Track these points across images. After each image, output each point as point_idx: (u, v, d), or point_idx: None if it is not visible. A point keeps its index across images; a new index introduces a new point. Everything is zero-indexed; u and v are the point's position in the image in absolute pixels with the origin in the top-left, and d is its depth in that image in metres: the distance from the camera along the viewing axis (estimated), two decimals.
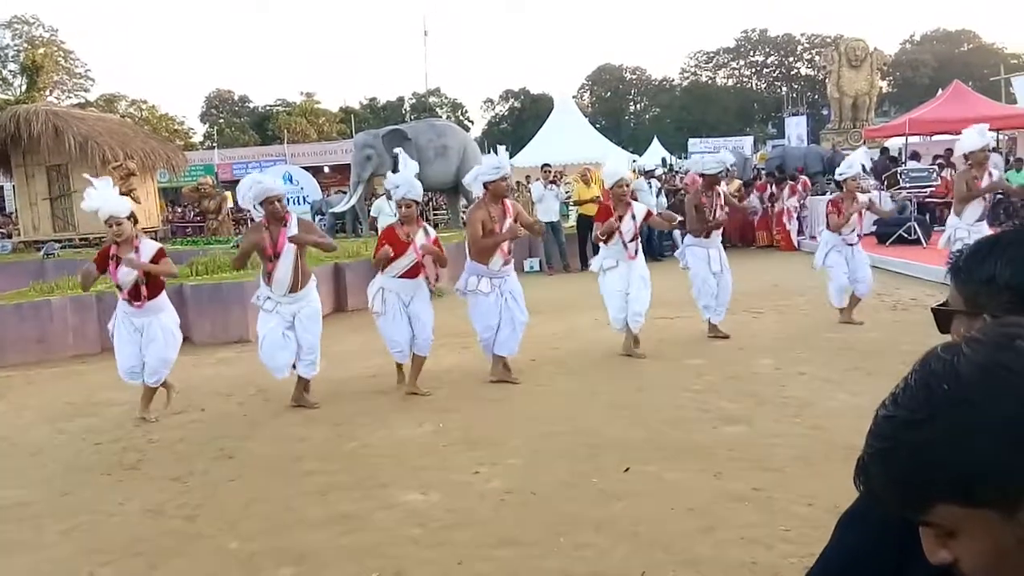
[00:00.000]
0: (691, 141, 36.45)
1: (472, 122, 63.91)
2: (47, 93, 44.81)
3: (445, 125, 20.42)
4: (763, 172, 18.68)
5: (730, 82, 69.19)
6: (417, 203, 6.48)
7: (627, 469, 4.36)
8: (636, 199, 7.74)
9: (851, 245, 7.96)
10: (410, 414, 5.78)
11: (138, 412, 6.03)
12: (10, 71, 47.74)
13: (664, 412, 5.43)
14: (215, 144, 42.44)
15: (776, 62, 68.28)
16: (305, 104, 56.07)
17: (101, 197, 5.94)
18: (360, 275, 10.47)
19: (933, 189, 14.43)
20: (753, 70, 69.56)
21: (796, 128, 32.15)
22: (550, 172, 14.74)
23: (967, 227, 7.73)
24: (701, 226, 7.70)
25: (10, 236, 19.34)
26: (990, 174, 7.81)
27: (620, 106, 68.87)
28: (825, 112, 37.85)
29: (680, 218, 8.64)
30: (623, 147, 32.26)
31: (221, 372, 7.65)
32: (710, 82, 68.40)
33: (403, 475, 4.53)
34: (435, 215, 21.28)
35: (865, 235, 9.02)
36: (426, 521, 3.88)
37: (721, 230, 7.96)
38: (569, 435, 5.05)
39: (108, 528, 4.07)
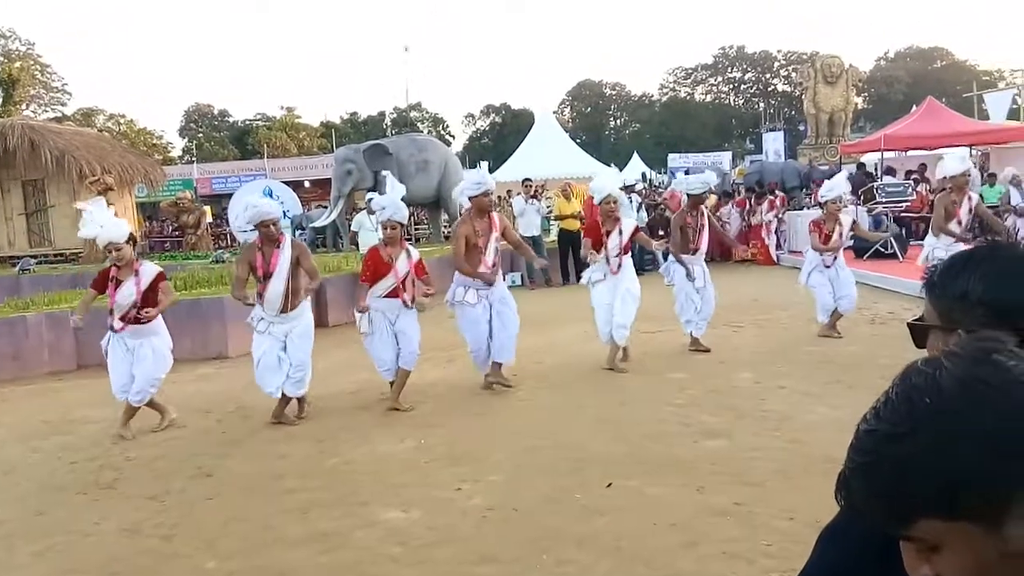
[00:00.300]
0: (671, 156, 36.71)
1: (453, 137, 64.08)
2: (23, 107, 44.35)
3: (426, 140, 20.47)
4: (742, 187, 18.87)
5: (708, 98, 69.93)
6: (402, 225, 6.50)
7: (609, 484, 4.36)
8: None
9: (828, 267, 8.07)
10: (392, 430, 5.75)
11: (117, 428, 5.97)
12: None
13: (646, 426, 5.44)
14: (194, 159, 42.21)
15: (753, 78, 69.14)
16: (286, 118, 55.90)
17: (98, 223, 5.91)
18: (341, 290, 10.43)
19: (909, 204, 14.65)
20: (731, 86, 70.38)
21: (774, 143, 32.52)
22: (531, 187, 14.79)
23: (945, 247, 7.82)
24: (685, 247, 7.79)
25: None
26: (970, 198, 7.90)
27: (600, 121, 69.35)
28: (802, 127, 38.33)
29: (660, 242, 8.70)
30: (603, 162, 32.45)
31: (200, 388, 7.57)
32: (689, 98, 69.11)
33: (384, 492, 4.50)
34: (416, 229, 21.28)
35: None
36: (407, 539, 3.85)
37: (705, 247, 8.03)
38: (551, 450, 5.05)
39: (83, 548, 4.00)
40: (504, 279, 7.10)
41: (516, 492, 4.36)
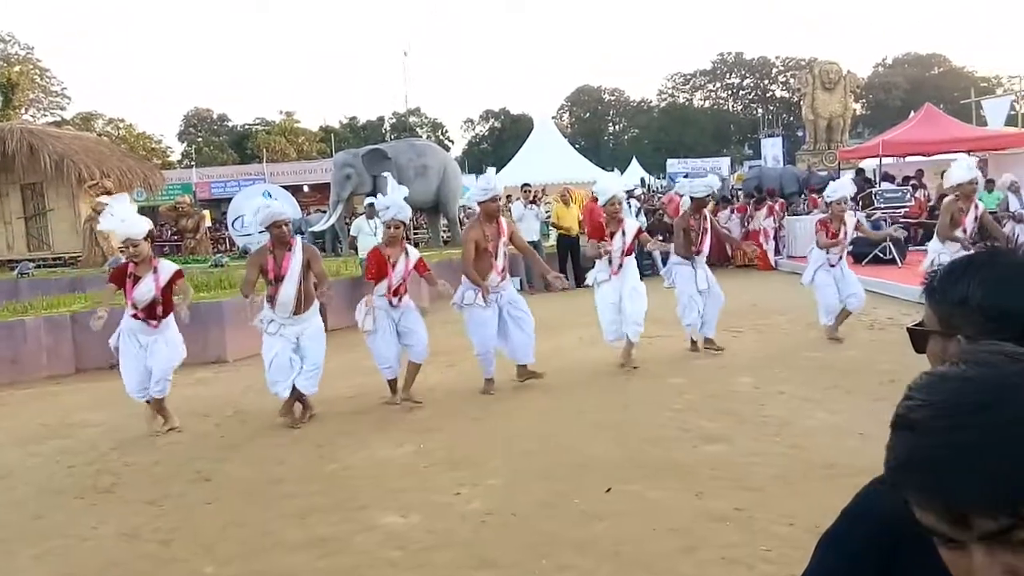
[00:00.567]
0: (669, 162, 36.79)
1: (452, 142, 64.07)
2: (22, 111, 44.37)
3: (425, 145, 20.48)
4: (740, 193, 18.89)
5: (707, 104, 70.04)
6: (404, 224, 6.62)
7: (609, 489, 4.35)
8: None
9: (833, 266, 8.07)
10: (391, 434, 5.75)
11: (150, 428, 5.99)
12: None
13: (645, 431, 5.43)
14: (193, 163, 42.23)
15: (752, 84, 69.29)
16: (285, 123, 55.93)
17: (118, 218, 5.91)
18: (339, 294, 10.38)
19: (907, 210, 14.68)
20: (729, 92, 70.52)
21: (772, 149, 32.52)
22: (530, 192, 14.81)
23: (950, 253, 7.82)
24: (688, 249, 7.83)
25: None
26: (976, 206, 7.89)
27: (599, 127, 69.45)
28: (800, 133, 38.39)
29: (661, 243, 8.77)
30: (602, 167, 32.46)
31: (199, 392, 7.56)
32: (687, 104, 69.23)
33: (383, 497, 4.49)
34: (415, 234, 21.29)
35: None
36: (406, 544, 3.84)
37: (707, 250, 8.08)
38: (550, 454, 5.04)
39: (81, 553, 3.99)
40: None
41: (515, 496, 4.36)
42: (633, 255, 7.60)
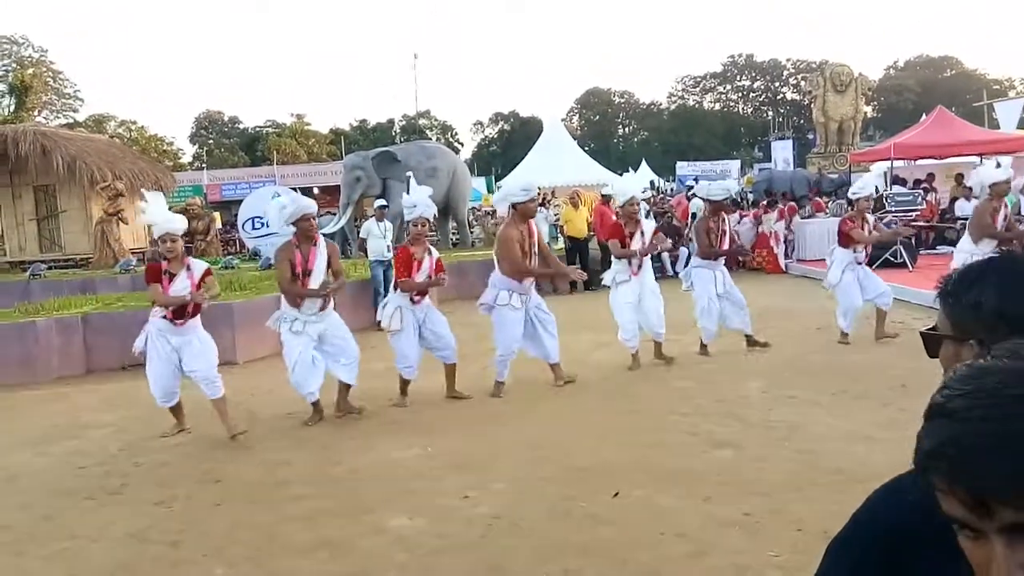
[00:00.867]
0: (679, 164, 36.76)
1: (462, 144, 64.28)
2: (36, 113, 44.72)
3: (435, 147, 20.50)
4: (750, 195, 18.79)
5: (717, 106, 69.96)
6: (429, 223, 6.73)
7: (616, 494, 4.34)
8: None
9: (859, 263, 8.05)
10: (398, 437, 5.74)
11: (227, 433, 5.82)
12: None
13: (653, 435, 5.41)
14: (204, 165, 42.43)
15: (762, 87, 69.15)
16: (295, 125, 56.20)
17: (161, 212, 5.96)
18: (348, 296, 10.43)
19: (918, 213, 14.59)
20: (740, 94, 70.40)
21: (782, 152, 32.46)
22: (539, 194, 14.78)
23: (983, 255, 7.72)
24: (709, 250, 7.89)
25: None
26: (1005, 206, 7.82)
27: (608, 129, 69.44)
28: (811, 136, 38.26)
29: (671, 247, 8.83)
30: (611, 169, 32.44)
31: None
32: (697, 106, 69.17)
33: (390, 500, 4.49)
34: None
35: None
36: (412, 547, 3.84)
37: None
38: (558, 459, 5.03)
39: (91, 554, 4.00)
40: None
41: (522, 501, 4.35)
42: (649, 256, 7.70)
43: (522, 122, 63.86)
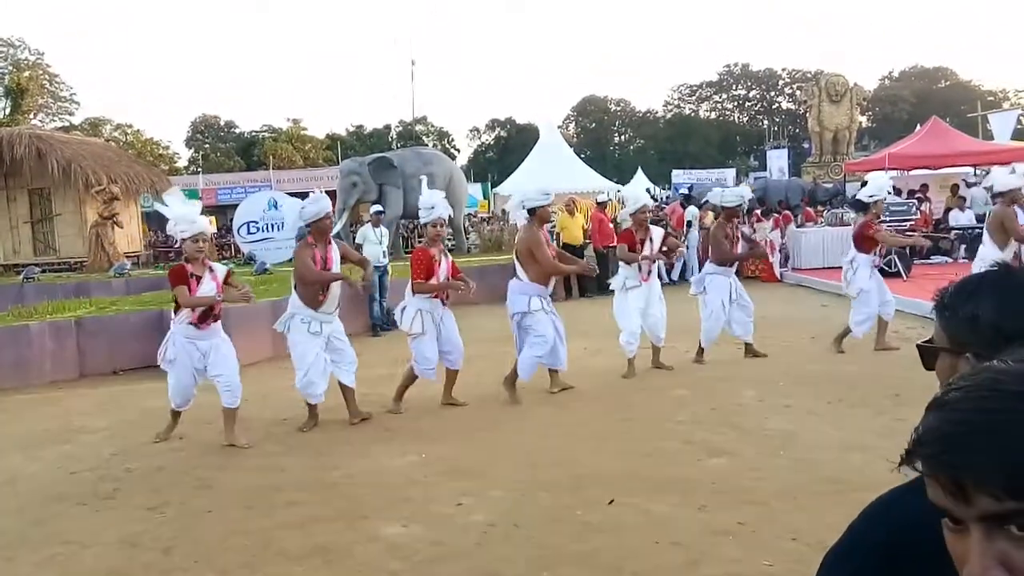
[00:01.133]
0: (674, 172, 36.81)
1: (458, 150, 64.24)
2: (31, 116, 44.59)
3: (431, 153, 20.53)
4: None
5: (713, 115, 70.11)
6: (445, 223, 6.75)
7: (611, 501, 4.33)
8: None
9: (876, 267, 8.09)
10: (393, 444, 5.73)
11: (226, 441, 5.83)
12: None
13: (648, 443, 5.41)
14: (200, 169, 42.38)
15: (758, 96, 69.36)
16: (291, 130, 56.12)
17: (191, 211, 5.86)
18: (344, 301, 10.40)
19: (912, 223, 14.64)
20: (735, 103, 70.59)
21: (777, 161, 32.56)
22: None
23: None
24: (729, 255, 7.98)
25: None
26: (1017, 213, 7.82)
27: (605, 137, 69.53)
28: (806, 145, 38.41)
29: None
30: (607, 177, 32.50)
31: (201, 400, 7.53)
32: (693, 115, 69.30)
33: (385, 506, 4.48)
34: (419, 242, 21.31)
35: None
36: (407, 554, 3.83)
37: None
38: (553, 466, 5.02)
39: (83, 560, 3.97)
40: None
41: (517, 508, 4.34)
42: (657, 263, 7.84)
43: (518, 129, 63.90)
